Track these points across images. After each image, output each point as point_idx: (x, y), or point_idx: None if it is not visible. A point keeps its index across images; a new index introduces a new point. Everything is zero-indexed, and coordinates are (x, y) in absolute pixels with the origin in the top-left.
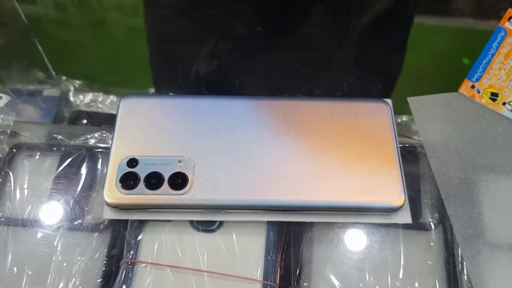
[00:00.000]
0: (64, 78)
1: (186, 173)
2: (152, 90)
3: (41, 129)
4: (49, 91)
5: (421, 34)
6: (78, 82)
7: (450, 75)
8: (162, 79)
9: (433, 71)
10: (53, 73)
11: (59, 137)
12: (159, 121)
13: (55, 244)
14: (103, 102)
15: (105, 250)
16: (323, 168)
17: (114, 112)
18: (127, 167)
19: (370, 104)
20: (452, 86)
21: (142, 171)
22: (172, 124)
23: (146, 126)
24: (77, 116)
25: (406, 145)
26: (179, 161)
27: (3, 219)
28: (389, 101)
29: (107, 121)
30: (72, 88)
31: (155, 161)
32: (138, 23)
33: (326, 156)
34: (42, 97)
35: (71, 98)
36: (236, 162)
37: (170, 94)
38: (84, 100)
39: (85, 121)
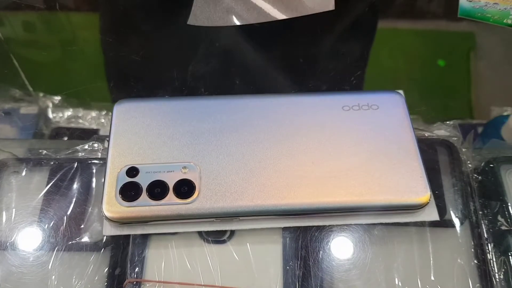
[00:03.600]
0: (41, 95)
1: (192, 179)
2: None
3: (23, 145)
4: (26, 109)
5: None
6: (56, 98)
7: None
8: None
9: None
10: (31, 89)
11: (44, 152)
12: (157, 126)
13: (50, 267)
14: (84, 118)
15: (106, 270)
16: (340, 166)
17: (96, 127)
18: (126, 176)
19: (383, 96)
20: None
21: (143, 180)
22: (171, 128)
23: (144, 132)
24: (57, 133)
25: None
26: (184, 167)
27: None
28: (401, 92)
29: (89, 137)
30: (50, 105)
31: (157, 168)
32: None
33: (341, 153)
34: (19, 115)
35: (50, 115)
36: (245, 165)
37: (167, 96)
38: (64, 116)
39: (66, 138)
